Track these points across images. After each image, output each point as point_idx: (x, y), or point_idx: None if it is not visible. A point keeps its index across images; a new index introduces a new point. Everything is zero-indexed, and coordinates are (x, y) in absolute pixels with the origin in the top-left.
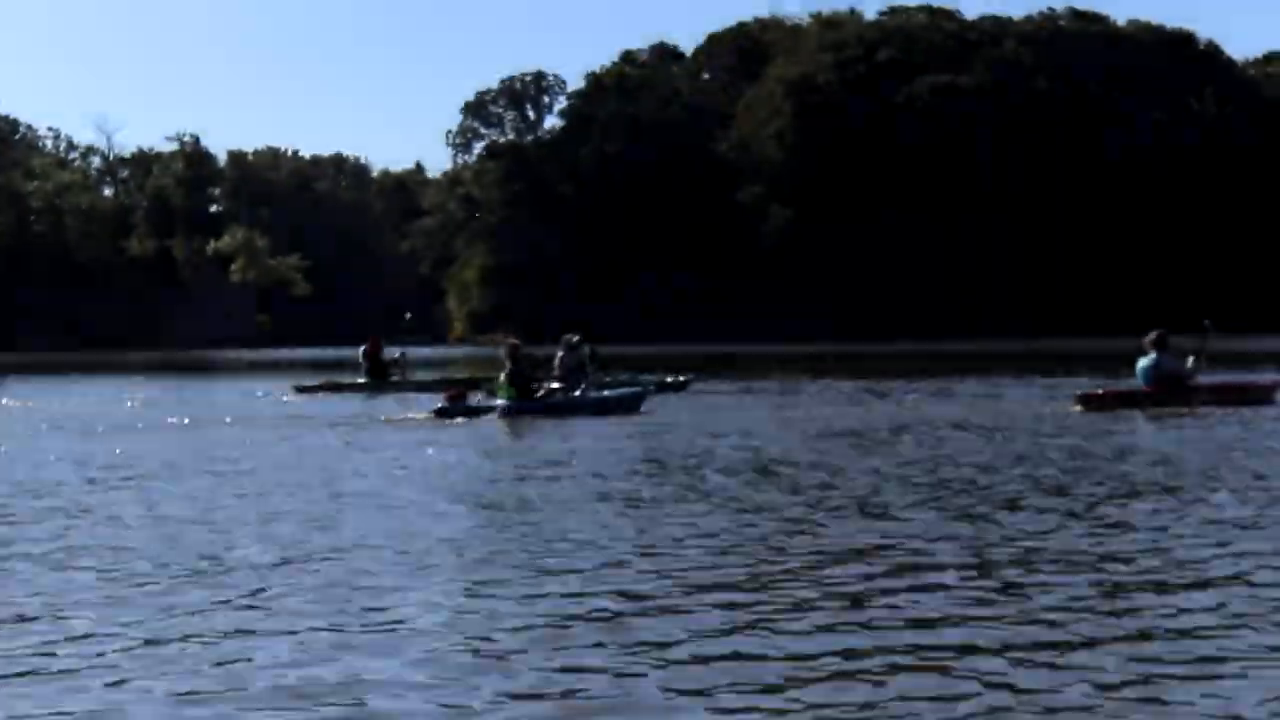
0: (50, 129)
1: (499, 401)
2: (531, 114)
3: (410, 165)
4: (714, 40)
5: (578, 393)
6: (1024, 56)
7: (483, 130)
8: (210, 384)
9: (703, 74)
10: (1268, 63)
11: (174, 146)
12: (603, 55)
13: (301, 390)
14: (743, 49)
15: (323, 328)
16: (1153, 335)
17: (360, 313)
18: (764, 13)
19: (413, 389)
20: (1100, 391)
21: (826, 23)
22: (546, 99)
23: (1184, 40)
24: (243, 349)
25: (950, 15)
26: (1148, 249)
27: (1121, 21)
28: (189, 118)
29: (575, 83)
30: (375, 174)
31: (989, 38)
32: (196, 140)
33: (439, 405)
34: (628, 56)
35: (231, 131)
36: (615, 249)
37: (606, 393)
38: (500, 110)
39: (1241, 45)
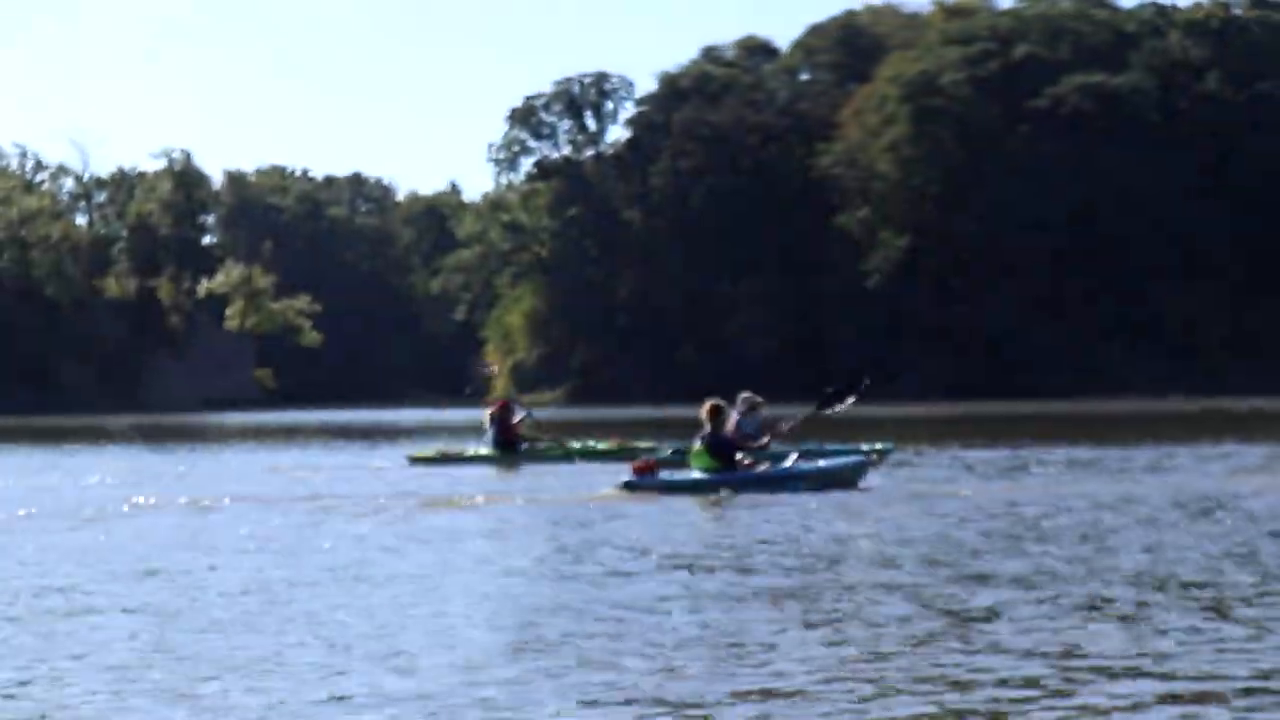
0: (15, 145)
1: (695, 474)
2: (592, 123)
3: (444, 186)
4: (815, 33)
5: (789, 462)
6: (1192, 52)
7: (532, 143)
8: (256, 453)
9: (801, 73)
10: None
11: (161, 165)
12: (679, 52)
13: (417, 461)
14: (850, 43)
15: (336, 385)
16: None
17: (382, 367)
18: (877, 0)
19: (553, 458)
20: None
21: (952, 11)
22: (610, 105)
23: None
24: (244, 410)
25: (1102, 2)
26: None
27: None
28: (179, 132)
29: (645, 85)
30: (401, 197)
31: (1150, 29)
32: (188, 158)
33: (625, 479)
34: (710, 53)
35: (229, 148)
36: (692, 287)
37: (823, 463)
38: (554, 119)
39: None
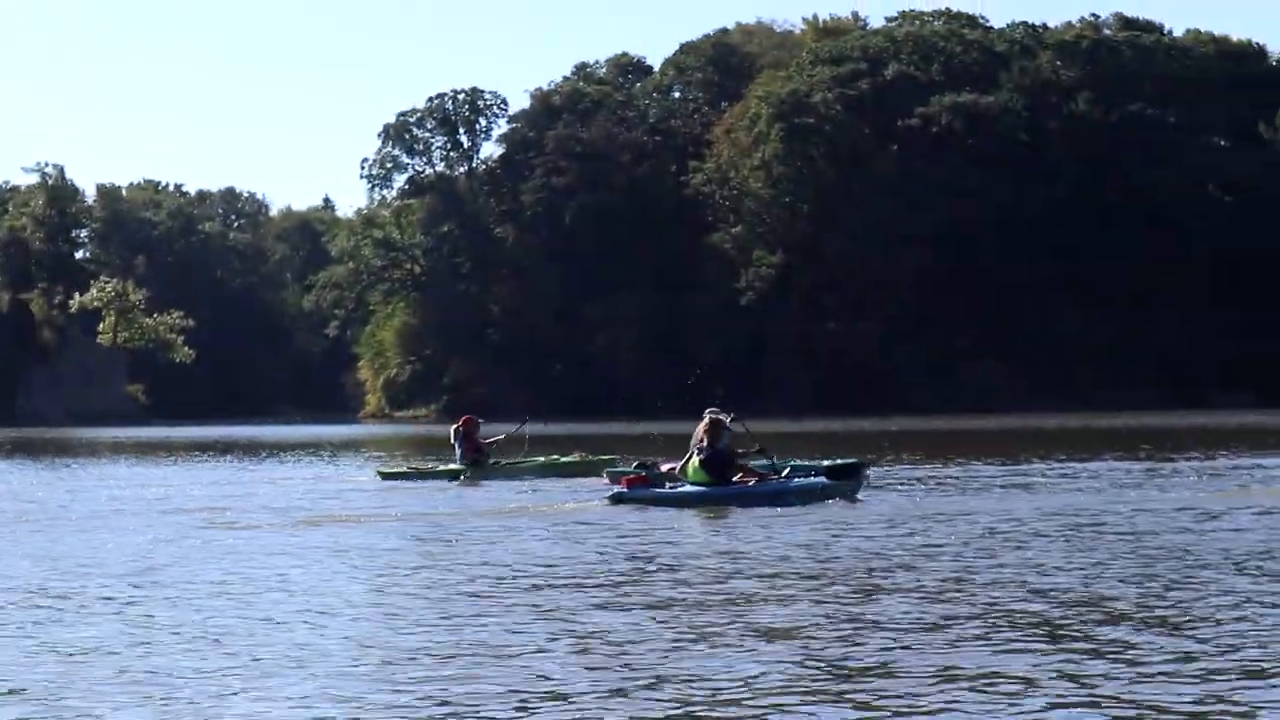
0: None
1: (688, 488)
2: (465, 140)
3: (317, 202)
4: (687, 51)
5: (782, 475)
6: (1062, 73)
7: (405, 159)
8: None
9: (673, 91)
10: None
11: (34, 179)
12: (553, 70)
13: (387, 476)
14: (722, 62)
15: (208, 401)
16: None
17: (255, 383)
18: (748, 18)
19: (522, 474)
20: None
21: (824, 30)
22: (483, 122)
23: (1254, 55)
24: (115, 425)
25: (974, 22)
26: (1195, 302)
27: (1179, 32)
28: (51, 147)
29: (519, 102)
30: (274, 213)
31: (1020, 49)
32: (60, 172)
33: (615, 491)
34: (582, 70)
35: (102, 163)
36: (564, 304)
37: (818, 479)
38: (427, 135)
39: None
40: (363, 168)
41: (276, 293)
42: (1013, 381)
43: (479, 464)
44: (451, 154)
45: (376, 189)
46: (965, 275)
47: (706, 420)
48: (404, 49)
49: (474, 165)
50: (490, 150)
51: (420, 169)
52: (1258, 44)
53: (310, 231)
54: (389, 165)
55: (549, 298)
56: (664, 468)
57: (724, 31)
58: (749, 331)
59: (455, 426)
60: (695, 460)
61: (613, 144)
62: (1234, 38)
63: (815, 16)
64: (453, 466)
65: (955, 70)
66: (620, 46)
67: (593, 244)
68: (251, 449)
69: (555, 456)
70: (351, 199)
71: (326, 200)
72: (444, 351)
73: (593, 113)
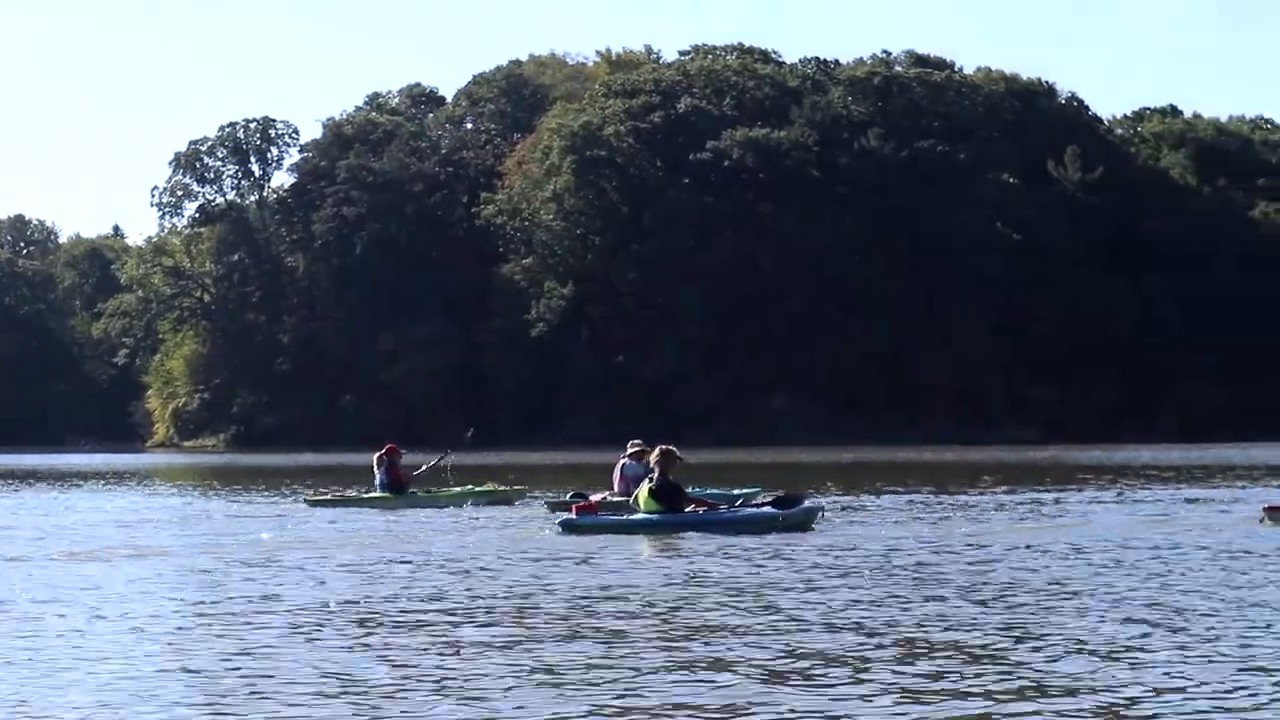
0: None
1: (638, 516)
2: (256, 169)
3: (107, 230)
4: (479, 82)
5: (732, 506)
6: (853, 108)
7: (196, 188)
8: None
9: (465, 122)
10: (1139, 121)
11: None
12: (345, 99)
13: (315, 504)
14: (515, 93)
15: None
16: None
17: (42, 410)
18: (541, 50)
19: (441, 501)
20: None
21: (616, 63)
22: (275, 151)
23: (1044, 92)
24: None
25: (766, 57)
26: (984, 338)
27: (970, 69)
28: None
29: (310, 132)
30: (64, 240)
31: (812, 85)
32: None
33: (565, 518)
34: (375, 100)
35: None
36: (355, 334)
37: (771, 508)
38: (218, 164)
39: (1110, 100)
40: (153, 196)
41: (65, 320)
42: (804, 414)
43: (400, 493)
44: (243, 183)
45: (167, 217)
46: (756, 308)
47: (658, 450)
48: (196, 77)
49: (265, 194)
50: (281, 179)
51: (211, 197)
52: (1047, 82)
53: (100, 259)
54: (180, 193)
55: (340, 328)
56: (594, 498)
57: (517, 63)
58: (541, 362)
59: (379, 455)
60: (646, 489)
61: (404, 174)
62: (1024, 76)
63: (608, 49)
64: (375, 494)
65: (747, 104)
66: (413, 77)
67: (384, 274)
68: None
69: (471, 486)
70: (141, 227)
71: (116, 228)
72: (233, 381)
73: (385, 143)
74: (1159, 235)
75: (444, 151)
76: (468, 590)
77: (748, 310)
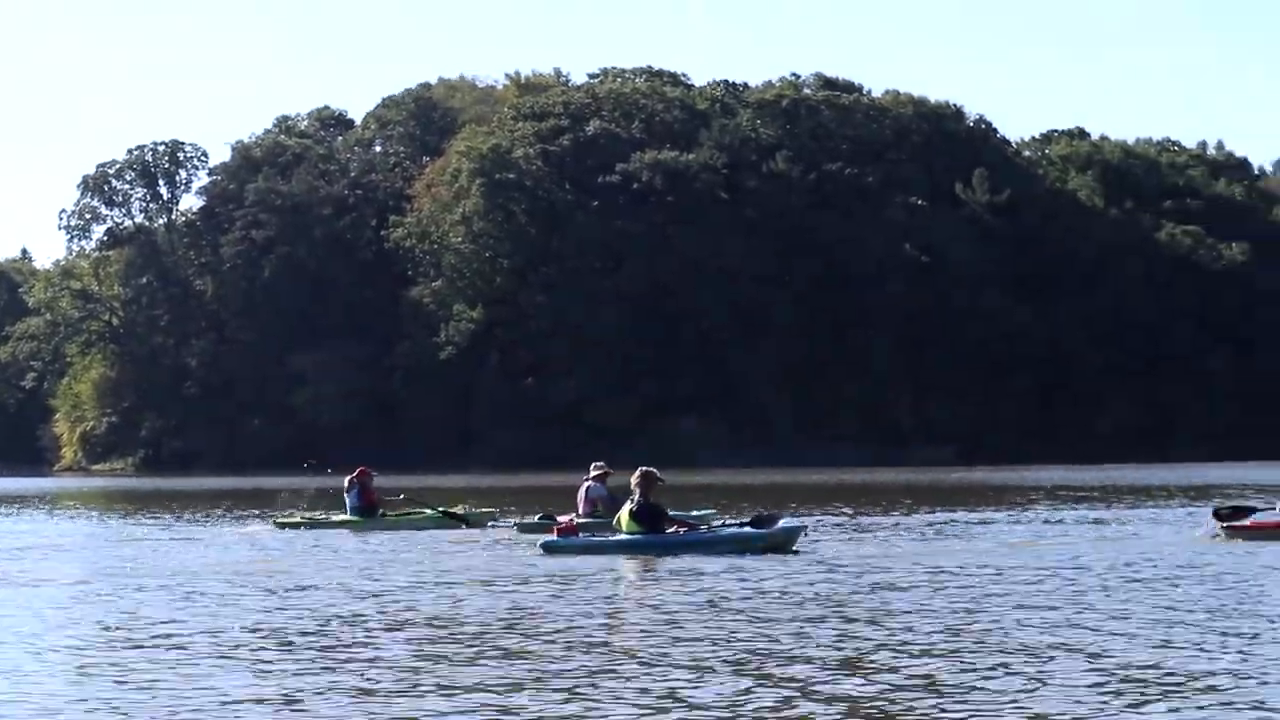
0: None
1: (619, 537)
2: (165, 192)
3: (15, 253)
4: (389, 105)
5: (711, 526)
6: (762, 131)
7: (104, 211)
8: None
9: (374, 145)
10: (1047, 143)
11: None
12: (254, 122)
13: (284, 526)
14: (424, 116)
15: None
16: None
17: None
18: (451, 73)
19: (411, 526)
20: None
21: (525, 86)
22: (184, 174)
23: (951, 115)
24: None
25: (675, 80)
26: (895, 359)
27: (878, 92)
28: None
29: (219, 155)
30: None
31: (721, 108)
32: None
33: (546, 540)
34: (283, 123)
35: None
36: (264, 357)
37: (752, 529)
38: (126, 187)
39: (1018, 122)
40: (61, 219)
41: None
42: (714, 436)
43: (371, 515)
44: (151, 206)
45: (75, 240)
46: (665, 330)
47: (639, 472)
48: (104, 99)
49: (174, 218)
50: (190, 202)
51: (119, 221)
52: (955, 105)
53: (7, 282)
54: (88, 216)
55: (248, 351)
56: (562, 519)
57: (426, 86)
58: (451, 385)
59: (350, 478)
60: (627, 511)
61: (313, 197)
62: (932, 99)
63: (517, 73)
64: (345, 516)
65: (656, 127)
66: (321, 100)
67: (293, 297)
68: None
69: (443, 509)
70: (49, 250)
71: (24, 251)
72: (141, 405)
73: (293, 166)
74: (1066, 256)
75: (353, 174)
76: (475, 610)
77: (657, 333)
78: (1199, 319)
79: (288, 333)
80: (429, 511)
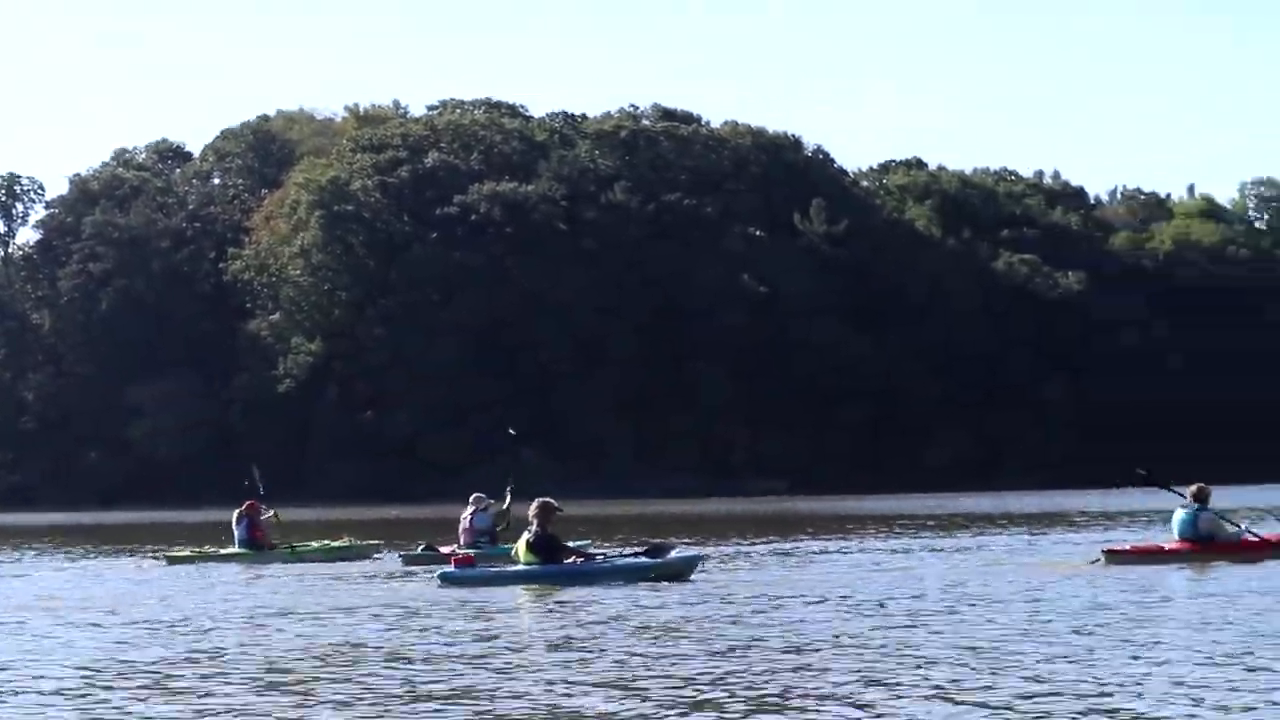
0: None
1: (517, 568)
2: (2, 225)
3: None
4: (227, 137)
5: (607, 556)
6: (600, 162)
7: None
8: None
9: (213, 178)
10: (884, 173)
11: None
12: (91, 155)
13: (175, 560)
14: (262, 148)
15: None
16: (1194, 488)
17: None
18: (289, 106)
19: (297, 557)
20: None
21: (364, 118)
22: (20, 207)
23: (790, 146)
24: None
25: (514, 111)
26: (730, 391)
27: (717, 123)
28: None
29: (56, 188)
30: None
31: (560, 139)
32: None
33: (444, 571)
34: (121, 156)
35: None
36: (102, 390)
37: (648, 558)
38: None
39: (856, 152)
40: None
41: None
42: (551, 467)
43: (260, 549)
44: None
45: None
46: (503, 362)
47: (536, 504)
48: None
49: (10, 251)
50: (27, 236)
51: None
52: (793, 135)
53: None
54: None
55: (86, 384)
56: (444, 550)
57: (264, 119)
58: (290, 418)
59: (238, 511)
60: (524, 541)
61: (151, 230)
62: (770, 130)
63: (356, 105)
64: (233, 550)
65: (495, 159)
66: (160, 133)
67: (131, 331)
68: None
69: (328, 542)
70: None
71: None
72: None
73: (131, 199)
74: (903, 286)
75: (191, 207)
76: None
77: (495, 365)
78: (1035, 347)
79: (126, 366)
80: (316, 545)
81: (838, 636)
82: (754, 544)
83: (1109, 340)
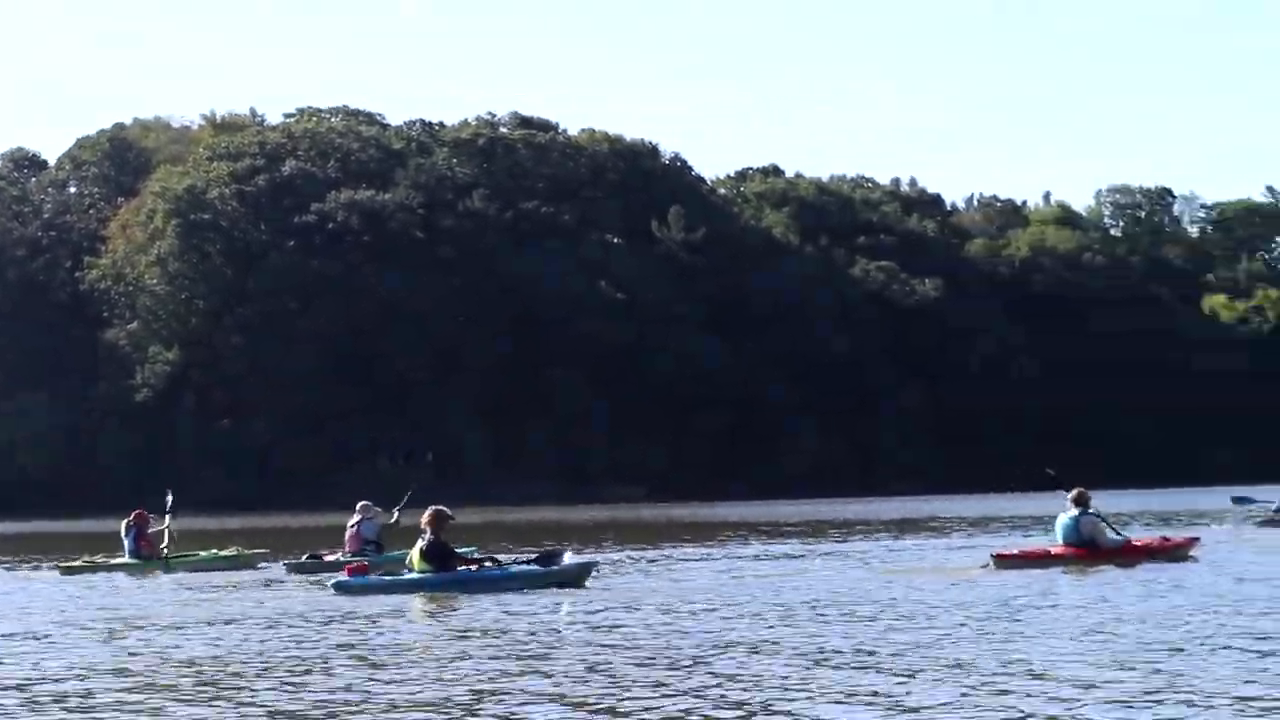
0: None
1: (411, 575)
2: None
3: None
4: (83, 145)
5: (499, 562)
6: (458, 170)
7: None
8: None
9: (69, 186)
10: (742, 180)
11: None
12: None
13: (68, 571)
14: (119, 157)
15: None
16: (1074, 493)
17: None
18: (146, 114)
19: (185, 566)
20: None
21: (221, 126)
22: None
23: (647, 153)
24: None
25: (371, 119)
26: (587, 399)
27: (574, 131)
28: None
29: None
30: None
31: (417, 147)
32: None
33: (338, 580)
34: None
35: None
36: None
37: (541, 566)
38: None
39: (713, 160)
40: None
41: None
42: (410, 475)
43: (150, 558)
44: None
45: None
46: (360, 370)
47: (429, 512)
48: None
49: None
50: None
51: None
52: (651, 143)
53: None
54: None
55: None
56: (328, 558)
57: (121, 126)
58: (147, 428)
59: (127, 521)
60: (418, 550)
61: (6, 239)
62: (628, 137)
63: (213, 112)
64: (123, 560)
65: (352, 167)
66: (14, 141)
67: None
68: None
69: (215, 551)
70: None
71: None
72: None
73: None
74: (761, 293)
75: (47, 215)
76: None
77: (353, 373)
78: (893, 354)
79: None
80: (204, 554)
81: (754, 642)
82: (625, 549)
83: (965, 346)
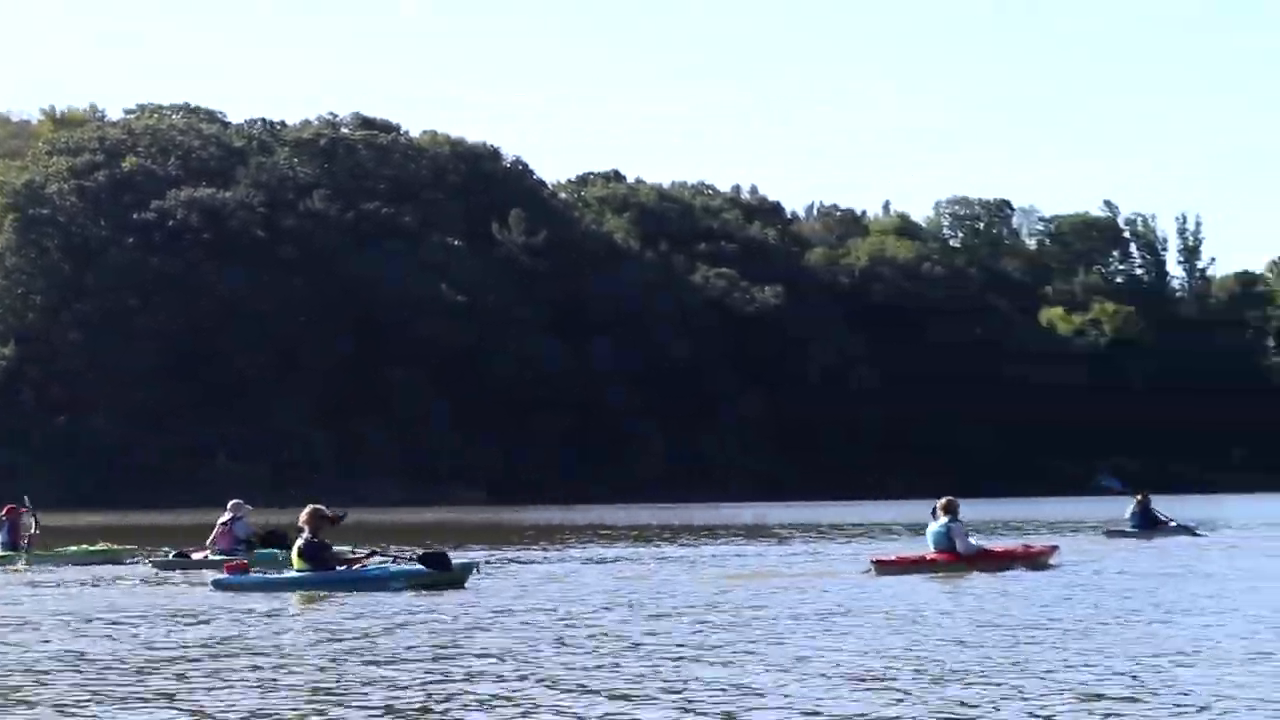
0: None
1: (290, 574)
2: None
3: None
4: None
5: (387, 562)
6: (299, 169)
7: None
8: None
9: None
10: (583, 185)
11: None
12: None
13: None
14: None
15: None
16: (943, 501)
17: None
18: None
19: (56, 560)
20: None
21: (60, 121)
22: None
23: (488, 156)
24: None
25: (213, 117)
26: (429, 401)
27: (416, 133)
28: None
29: None
30: None
31: (259, 146)
32: None
33: (217, 578)
34: None
35: None
36: None
37: (423, 565)
38: None
39: (555, 164)
40: None
41: None
42: (248, 475)
43: (22, 552)
44: None
45: None
46: (200, 368)
47: (306, 511)
48: None
49: None
50: None
51: None
52: (492, 146)
53: None
54: None
55: None
56: (195, 555)
57: None
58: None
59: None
60: (296, 548)
61: None
62: (470, 139)
63: (53, 107)
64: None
65: (193, 164)
66: None
67: None
68: None
69: (85, 546)
70: None
71: None
72: None
73: None
74: (602, 298)
75: None
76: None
77: (191, 372)
78: (733, 361)
79: None
80: (74, 548)
81: (640, 638)
82: (488, 550)
83: (805, 355)
